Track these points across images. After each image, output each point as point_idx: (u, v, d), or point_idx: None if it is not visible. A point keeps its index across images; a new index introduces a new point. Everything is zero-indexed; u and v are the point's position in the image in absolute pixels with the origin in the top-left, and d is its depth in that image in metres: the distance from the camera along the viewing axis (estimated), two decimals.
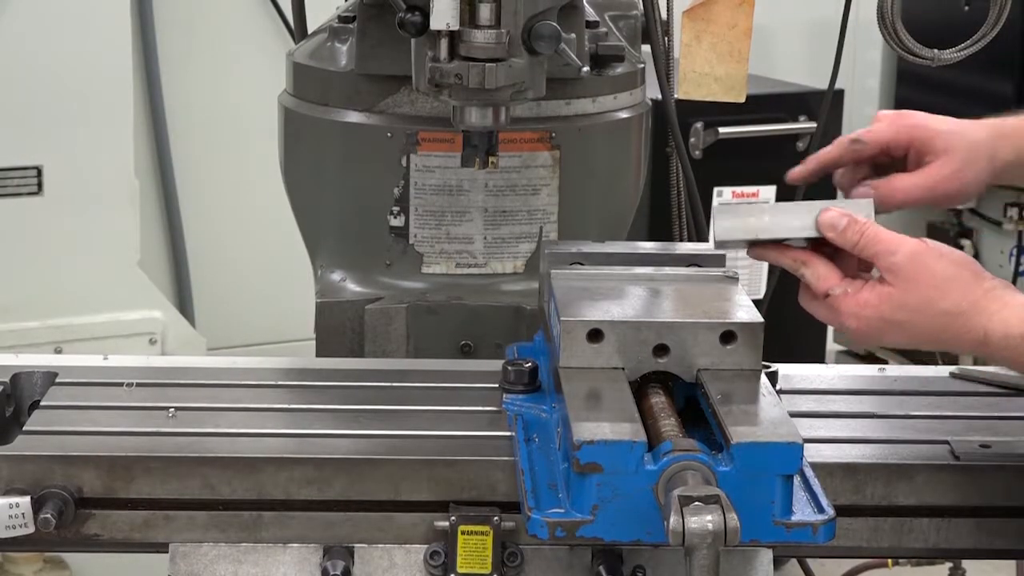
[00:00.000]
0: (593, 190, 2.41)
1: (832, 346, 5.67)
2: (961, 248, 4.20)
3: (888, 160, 2.06)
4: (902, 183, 2.02)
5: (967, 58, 2.54)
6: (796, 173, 2.07)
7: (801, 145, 4.53)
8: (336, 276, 2.41)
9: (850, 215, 1.85)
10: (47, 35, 3.68)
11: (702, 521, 1.49)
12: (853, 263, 1.87)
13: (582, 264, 2.06)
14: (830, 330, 5.38)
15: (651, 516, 1.59)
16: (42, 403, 1.95)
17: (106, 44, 3.76)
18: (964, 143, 2.01)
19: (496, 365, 1.97)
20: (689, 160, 2.95)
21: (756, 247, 1.92)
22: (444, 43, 2.05)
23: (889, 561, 4.15)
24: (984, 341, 1.77)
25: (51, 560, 3.83)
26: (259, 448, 1.81)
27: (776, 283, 3.49)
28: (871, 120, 2.09)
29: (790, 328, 4.54)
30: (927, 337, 1.81)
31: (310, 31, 2.62)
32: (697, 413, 1.78)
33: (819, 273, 1.86)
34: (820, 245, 1.88)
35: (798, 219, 1.89)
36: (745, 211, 1.92)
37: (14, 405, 2.01)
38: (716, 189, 4.38)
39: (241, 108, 4.15)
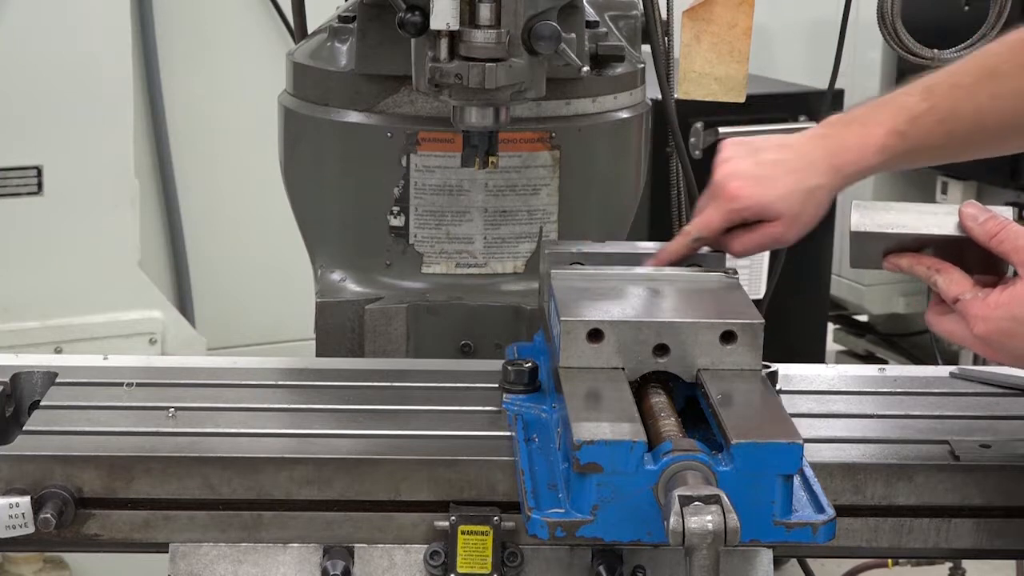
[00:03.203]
0: (593, 190, 2.41)
1: (832, 346, 5.67)
2: None
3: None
4: (740, 237, 2.07)
5: None
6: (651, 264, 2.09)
7: None
8: (336, 276, 2.41)
9: (991, 210, 1.85)
10: (47, 35, 3.68)
11: (702, 521, 1.49)
12: (985, 280, 1.85)
13: (582, 264, 2.06)
14: (830, 330, 5.39)
15: (651, 516, 1.59)
16: (42, 403, 1.95)
17: (106, 44, 3.75)
18: (796, 203, 2.03)
19: (496, 365, 1.97)
20: (689, 160, 2.96)
21: (890, 256, 1.90)
22: (444, 43, 2.05)
23: (889, 561, 4.15)
24: None
25: (51, 560, 3.83)
26: (259, 448, 1.81)
27: (776, 283, 3.48)
28: None
29: (790, 328, 4.56)
30: None
31: (310, 31, 2.62)
32: (697, 413, 1.78)
33: (952, 278, 1.83)
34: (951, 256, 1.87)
35: (934, 218, 1.88)
36: (882, 207, 1.91)
37: (14, 405, 2.01)
38: None
39: (241, 108, 4.15)
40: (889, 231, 1.89)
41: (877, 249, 1.90)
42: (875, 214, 1.90)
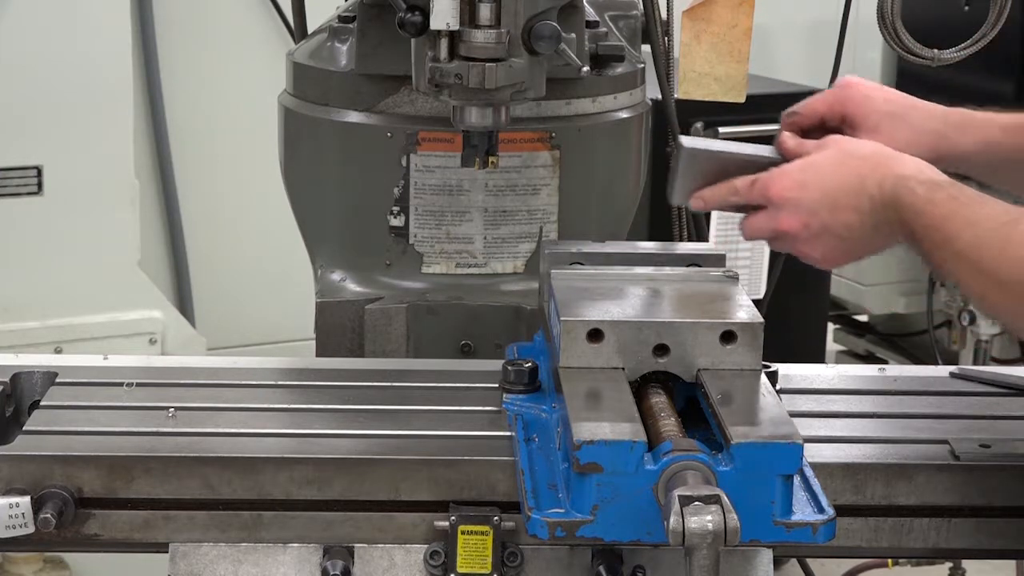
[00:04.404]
0: (593, 190, 2.41)
1: (832, 346, 5.67)
2: None
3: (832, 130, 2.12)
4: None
5: (967, 58, 2.55)
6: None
7: None
8: (336, 276, 2.41)
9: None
10: (47, 35, 3.68)
11: (702, 521, 1.49)
12: None
13: (582, 264, 2.06)
14: (830, 330, 5.39)
15: (651, 516, 1.59)
16: (42, 403, 1.95)
17: (106, 44, 3.75)
18: (899, 122, 2.06)
19: (496, 365, 1.97)
20: None
21: (698, 195, 2.01)
22: (444, 43, 2.05)
23: (889, 561, 4.15)
24: (880, 184, 1.84)
25: (51, 560, 3.82)
26: (259, 448, 1.81)
27: (776, 283, 3.48)
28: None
29: (790, 328, 4.56)
30: (839, 185, 1.87)
31: (310, 31, 2.62)
32: (697, 413, 1.78)
33: (745, 179, 1.96)
34: None
35: (754, 148, 2.04)
36: (709, 141, 2.07)
37: (14, 405, 2.01)
38: None
39: (241, 108, 4.14)
40: (716, 150, 2.02)
41: (702, 173, 2.01)
42: (703, 141, 2.06)
